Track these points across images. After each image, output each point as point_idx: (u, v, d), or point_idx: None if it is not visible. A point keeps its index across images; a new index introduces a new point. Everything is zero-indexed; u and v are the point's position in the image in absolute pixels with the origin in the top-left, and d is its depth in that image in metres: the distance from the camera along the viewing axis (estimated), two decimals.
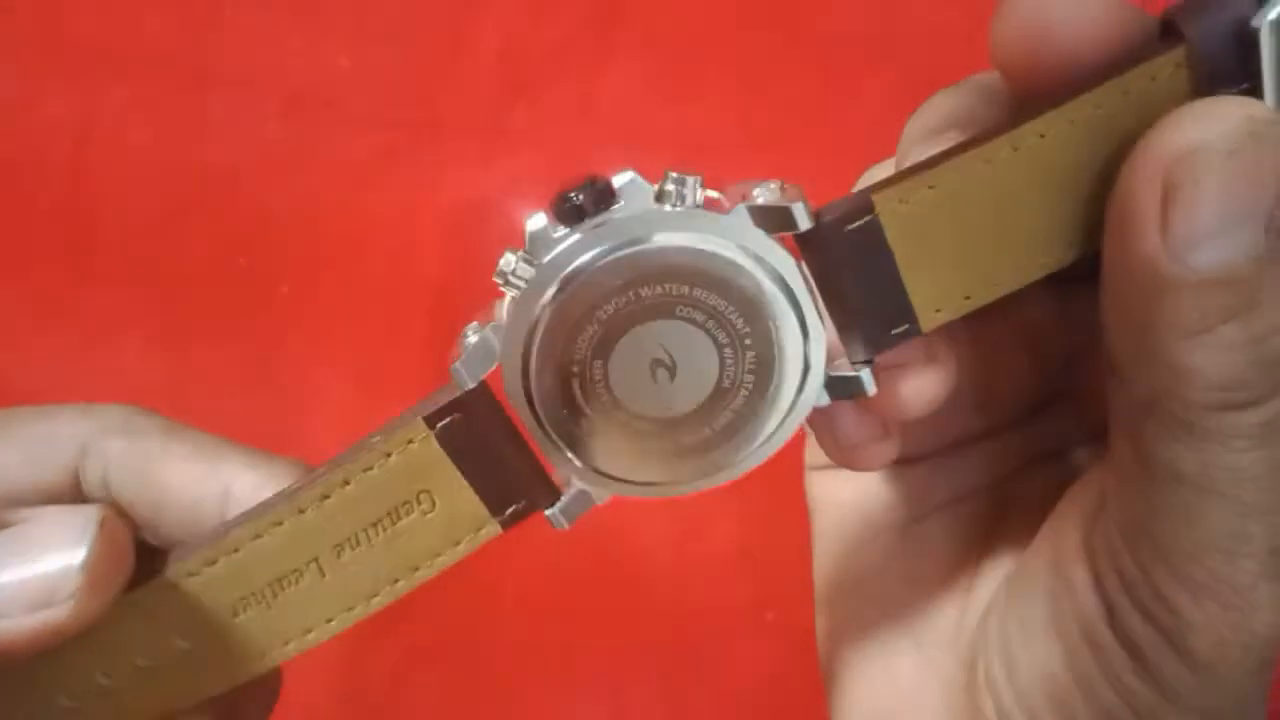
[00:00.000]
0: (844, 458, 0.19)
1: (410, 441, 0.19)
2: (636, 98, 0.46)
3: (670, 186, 0.17)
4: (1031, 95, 0.16)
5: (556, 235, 0.17)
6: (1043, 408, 0.21)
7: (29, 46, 0.46)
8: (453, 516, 0.20)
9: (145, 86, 0.45)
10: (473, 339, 0.18)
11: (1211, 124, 0.14)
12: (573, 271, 0.17)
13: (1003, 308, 0.18)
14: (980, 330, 0.19)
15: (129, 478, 0.20)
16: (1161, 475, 0.15)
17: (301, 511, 0.19)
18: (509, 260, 0.17)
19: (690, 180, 0.17)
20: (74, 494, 0.20)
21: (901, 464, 0.22)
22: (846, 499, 0.23)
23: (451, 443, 0.19)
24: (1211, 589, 0.15)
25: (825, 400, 0.18)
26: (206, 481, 0.20)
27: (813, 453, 0.24)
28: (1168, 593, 0.16)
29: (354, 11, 0.46)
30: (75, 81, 0.46)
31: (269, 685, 0.22)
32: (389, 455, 0.19)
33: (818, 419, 0.18)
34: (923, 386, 0.18)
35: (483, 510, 0.20)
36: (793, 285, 0.17)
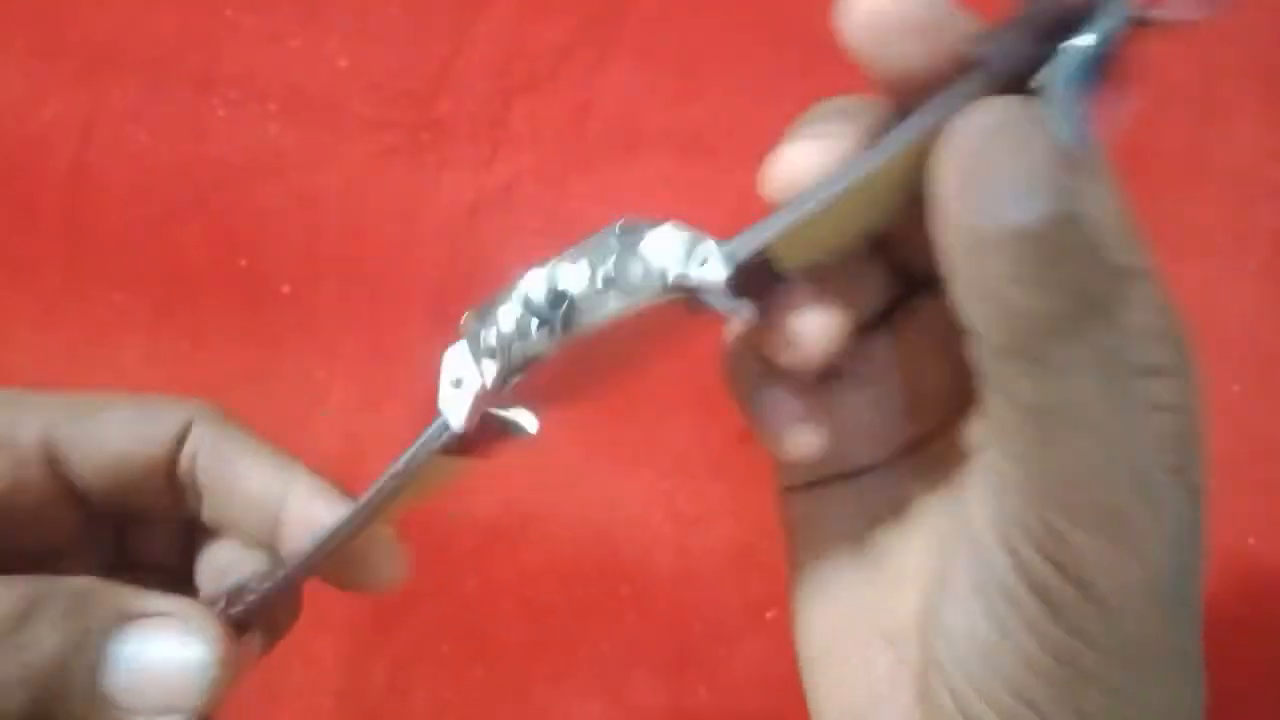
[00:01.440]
0: (774, 444, 0.21)
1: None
2: (636, 99, 0.46)
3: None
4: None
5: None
6: (971, 405, 0.22)
7: (30, 47, 0.46)
8: None
9: (146, 87, 0.46)
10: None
11: (997, 109, 0.16)
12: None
13: (921, 319, 0.21)
14: (902, 341, 0.22)
15: (213, 465, 0.23)
16: (1027, 418, 0.17)
17: None
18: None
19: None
20: (170, 468, 0.23)
21: (851, 475, 0.23)
22: (811, 513, 0.24)
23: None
24: (1099, 524, 0.17)
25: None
26: (273, 483, 0.23)
27: (782, 474, 0.25)
28: (1062, 531, 0.17)
29: (354, 12, 0.46)
30: (76, 82, 0.46)
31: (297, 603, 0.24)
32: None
33: (756, 411, 0.21)
34: (810, 324, 0.20)
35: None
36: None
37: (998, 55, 0.17)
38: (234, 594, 0.22)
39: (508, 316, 0.20)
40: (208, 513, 0.23)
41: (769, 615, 0.42)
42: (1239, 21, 0.47)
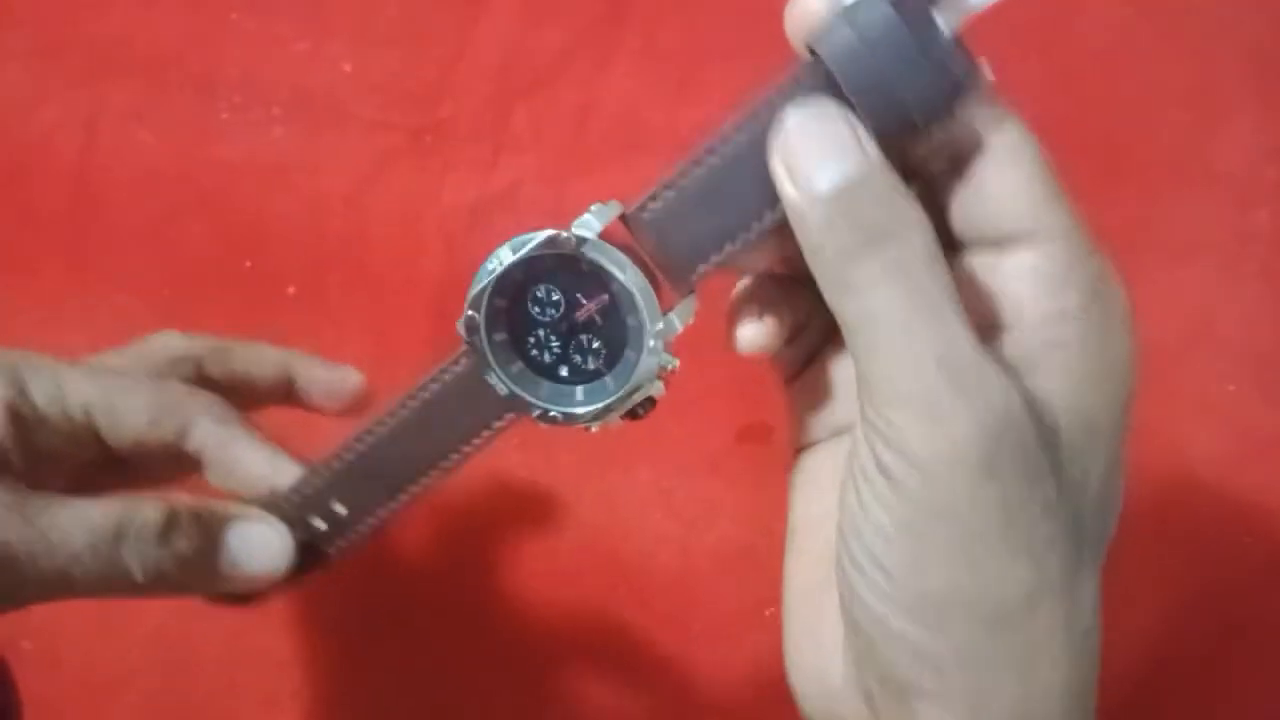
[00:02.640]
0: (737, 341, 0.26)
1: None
2: (637, 100, 0.46)
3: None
4: None
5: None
6: None
7: (34, 48, 0.46)
8: None
9: (150, 89, 0.46)
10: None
11: (801, 109, 0.22)
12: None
13: None
14: None
15: (215, 446, 0.30)
16: (848, 328, 0.22)
17: None
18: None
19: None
20: (179, 447, 0.30)
21: (839, 434, 0.27)
22: (809, 470, 0.28)
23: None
24: (913, 406, 0.21)
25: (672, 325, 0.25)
26: (265, 470, 0.30)
27: (799, 431, 0.28)
28: (889, 417, 0.21)
29: (357, 15, 0.46)
30: (80, 83, 0.46)
31: None
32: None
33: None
34: (748, 333, 0.26)
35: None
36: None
37: (827, 48, 0.22)
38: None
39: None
40: (210, 480, 0.30)
41: (768, 613, 0.42)
42: (1237, 22, 0.47)
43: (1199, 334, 0.44)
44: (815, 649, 0.25)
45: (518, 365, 0.26)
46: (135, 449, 0.29)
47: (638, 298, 0.24)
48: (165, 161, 0.45)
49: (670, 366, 0.26)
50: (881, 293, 0.21)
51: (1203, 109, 0.46)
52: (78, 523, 0.26)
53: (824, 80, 0.22)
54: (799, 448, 0.28)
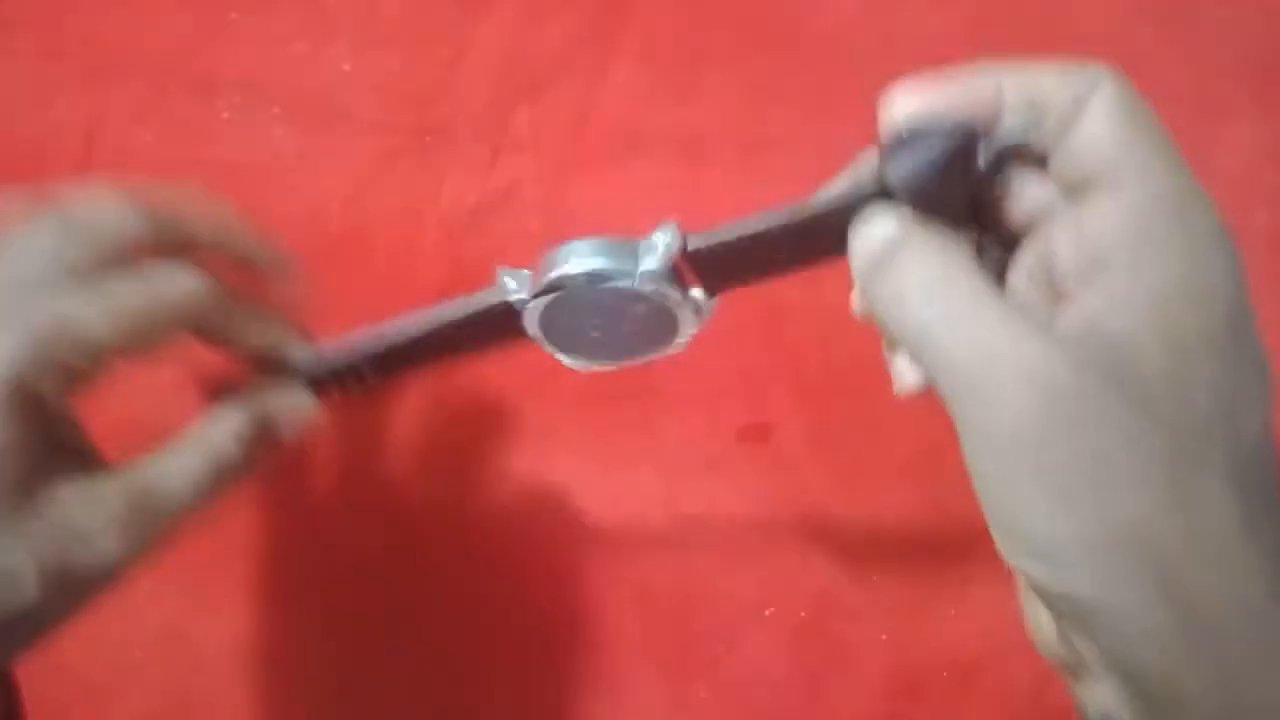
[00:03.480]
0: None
1: None
2: (636, 102, 0.46)
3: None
4: None
5: None
6: None
7: (35, 50, 0.47)
8: None
9: (151, 90, 0.46)
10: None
11: (872, 222, 0.25)
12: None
13: None
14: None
15: (211, 330, 0.30)
16: (916, 361, 0.25)
17: None
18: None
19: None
20: (165, 344, 0.29)
21: None
22: None
23: None
24: (965, 395, 0.23)
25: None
26: (262, 341, 0.31)
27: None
28: (953, 409, 0.24)
29: (358, 17, 0.46)
30: (81, 85, 0.46)
31: None
32: None
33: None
34: (904, 375, 0.28)
35: None
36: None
37: (892, 169, 0.25)
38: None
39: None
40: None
41: (768, 613, 0.42)
42: (1235, 24, 0.47)
43: None
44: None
45: (555, 327, 0.29)
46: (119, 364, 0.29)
47: (680, 325, 0.29)
48: (166, 162, 0.45)
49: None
50: (922, 314, 0.24)
51: (1201, 110, 0.46)
52: (180, 479, 0.28)
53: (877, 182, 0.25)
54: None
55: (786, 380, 0.43)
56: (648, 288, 0.27)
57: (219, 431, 0.30)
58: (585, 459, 0.43)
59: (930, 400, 0.44)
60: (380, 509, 0.43)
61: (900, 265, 0.24)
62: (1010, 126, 0.24)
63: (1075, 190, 0.24)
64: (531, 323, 0.29)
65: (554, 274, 0.27)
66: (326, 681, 0.42)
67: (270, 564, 0.42)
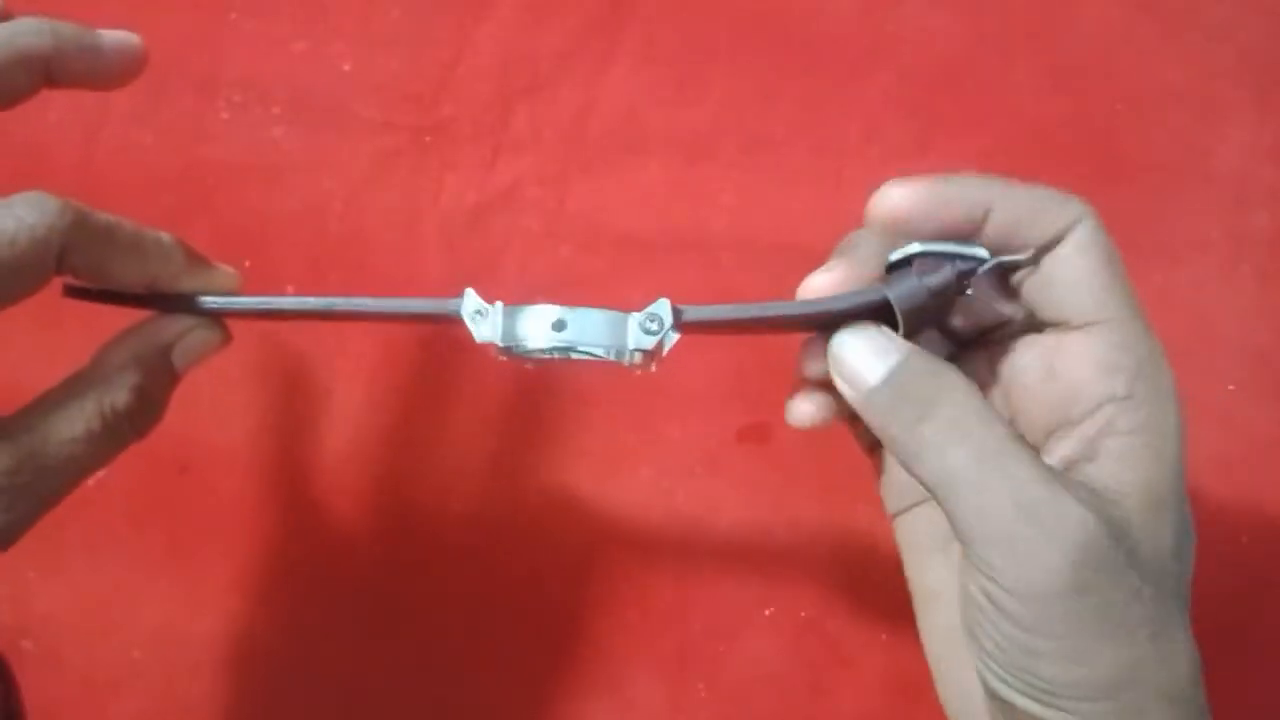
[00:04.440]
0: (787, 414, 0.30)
1: None
2: (637, 102, 0.46)
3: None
4: None
5: None
6: None
7: None
8: None
9: (150, 90, 0.46)
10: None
11: (855, 332, 0.27)
12: None
13: None
14: None
15: (85, 266, 0.26)
16: (928, 486, 0.25)
17: None
18: None
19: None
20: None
21: (927, 500, 0.30)
22: (909, 533, 0.31)
23: None
24: (1000, 546, 0.24)
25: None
26: (139, 277, 0.28)
27: (885, 500, 0.31)
28: (982, 555, 0.24)
29: (357, 16, 0.46)
30: None
31: None
32: None
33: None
34: (802, 408, 0.29)
35: None
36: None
37: (895, 290, 0.26)
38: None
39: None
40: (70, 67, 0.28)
41: (768, 613, 0.42)
42: (1235, 24, 0.47)
43: (1197, 334, 0.44)
44: (963, 697, 0.29)
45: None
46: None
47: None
48: (166, 162, 0.45)
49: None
50: (949, 453, 0.24)
51: (1201, 110, 0.46)
52: (67, 433, 0.26)
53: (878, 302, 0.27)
54: (892, 514, 0.31)
55: (786, 380, 0.43)
56: (635, 365, 0.28)
57: (109, 377, 0.27)
58: (585, 459, 0.43)
59: None
60: (379, 508, 0.43)
61: (931, 398, 0.25)
62: (992, 242, 0.26)
63: (1045, 319, 0.26)
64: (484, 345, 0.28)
65: (538, 342, 0.27)
66: (324, 681, 0.42)
67: (268, 564, 0.42)
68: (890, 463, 0.31)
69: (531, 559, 0.43)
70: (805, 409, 0.29)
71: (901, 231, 0.26)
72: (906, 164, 0.45)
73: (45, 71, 0.27)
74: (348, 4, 0.46)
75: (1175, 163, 0.46)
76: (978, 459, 0.24)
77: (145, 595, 0.42)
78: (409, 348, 0.44)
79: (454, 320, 0.28)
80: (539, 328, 0.27)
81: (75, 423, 0.26)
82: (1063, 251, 0.26)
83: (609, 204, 0.45)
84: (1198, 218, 0.45)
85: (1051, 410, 0.26)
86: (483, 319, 0.28)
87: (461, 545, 0.43)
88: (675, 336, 0.27)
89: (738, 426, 0.43)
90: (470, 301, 0.28)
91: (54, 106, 0.46)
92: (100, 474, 0.41)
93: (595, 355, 0.27)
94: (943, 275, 0.26)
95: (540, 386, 0.43)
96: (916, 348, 0.26)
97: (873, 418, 0.26)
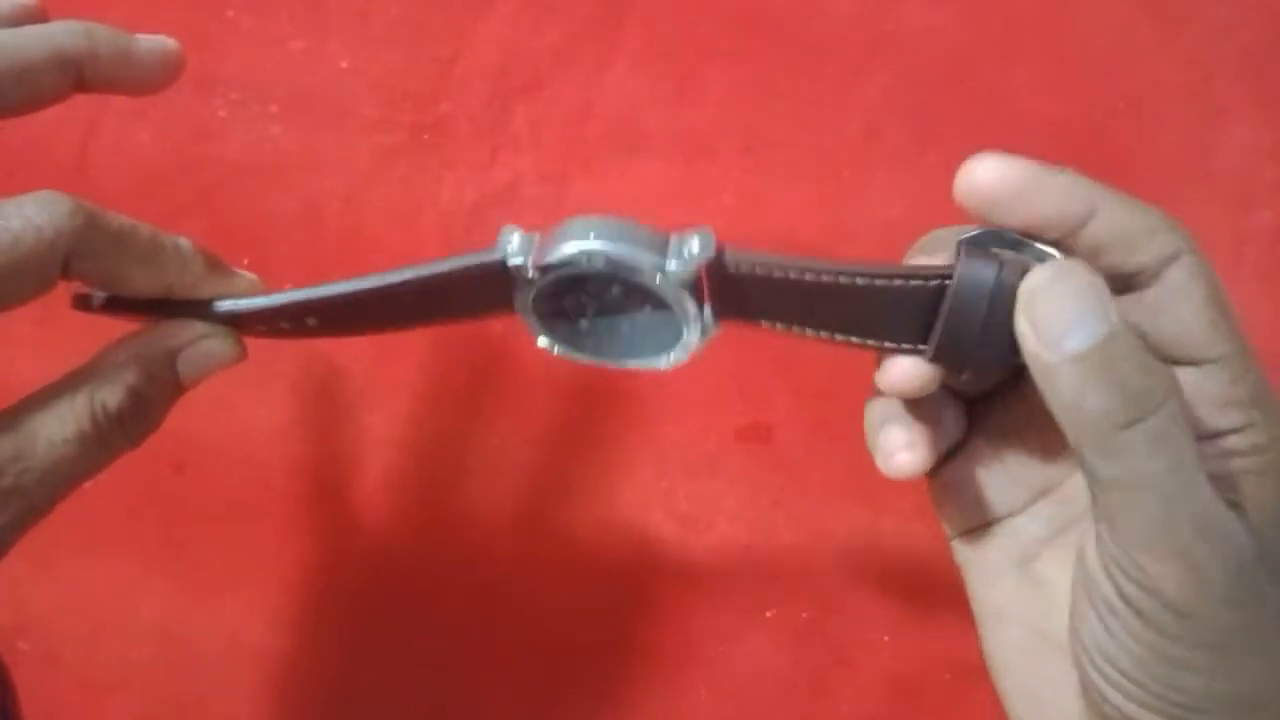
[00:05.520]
0: (885, 465, 0.28)
1: None
2: (635, 101, 0.46)
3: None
4: None
5: None
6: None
7: None
8: None
9: None
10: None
11: (1046, 271, 0.23)
12: None
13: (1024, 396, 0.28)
14: (1015, 413, 0.28)
15: (97, 272, 0.25)
16: (1102, 483, 0.23)
17: None
18: None
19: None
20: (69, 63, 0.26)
21: (996, 521, 0.29)
22: (974, 555, 0.30)
23: None
24: (1168, 557, 0.23)
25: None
26: (153, 50, 0.28)
27: (948, 523, 0.31)
28: (1142, 564, 0.23)
29: (355, 14, 0.46)
30: None
31: None
32: None
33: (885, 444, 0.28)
34: (902, 460, 0.27)
35: None
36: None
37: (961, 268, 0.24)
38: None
39: None
40: (94, 80, 0.27)
41: (769, 614, 0.42)
42: (1235, 23, 0.47)
43: None
44: (1039, 712, 0.28)
45: (548, 308, 0.27)
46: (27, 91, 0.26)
47: (687, 333, 0.26)
48: (164, 159, 0.45)
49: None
50: (1147, 462, 0.23)
51: (1201, 110, 0.46)
52: (56, 434, 0.25)
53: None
54: (958, 533, 0.30)
55: (786, 380, 0.43)
56: (668, 290, 0.25)
57: (104, 375, 0.26)
58: (585, 458, 0.43)
59: None
60: (376, 508, 0.43)
61: (1143, 393, 0.22)
62: (1089, 248, 0.24)
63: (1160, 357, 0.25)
64: (525, 294, 0.26)
65: (572, 247, 0.25)
66: (324, 682, 0.42)
67: (264, 563, 0.42)
68: (955, 487, 0.29)
69: (530, 558, 0.43)
70: (905, 459, 0.27)
71: (986, 214, 0.24)
72: (906, 163, 0.45)
73: (78, 74, 0.27)
74: (346, 2, 0.46)
75: (1176, 162, 0.46)
76: (1174, 470, 0.22)
77: (142, 595, 0.42)
78: (405, 346, 0.44)
79: (497, 275, 0.26)
80: (574, 239, 0.25)
81: (65, 423, 0.25)
82: (1172, 283, 0.24)
83: (608, 203, 0.45)
84: (1199, 217, 0.45)
85: None
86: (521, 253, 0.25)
87: (458, 543, 0.43)
88: (715, 329, 0.26)
89: (738, 426, 0.43)
90: (509, 240, 0.26)
91: None
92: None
93: (638, 278, 0.25)
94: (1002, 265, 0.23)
95: (541, 385, 0.43)
96: (1126, 322, 0.23)
97: (1058, 388, 0.23)
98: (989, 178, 0.24)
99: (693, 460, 0.43)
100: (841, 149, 0.46)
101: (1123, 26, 0.47)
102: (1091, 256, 0.24)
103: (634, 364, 0.28)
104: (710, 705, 0.42)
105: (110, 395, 0.25)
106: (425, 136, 0.46)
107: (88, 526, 0.42)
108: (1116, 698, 0.24)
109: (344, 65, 0.46)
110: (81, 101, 0.45)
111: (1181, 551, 0.22)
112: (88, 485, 0.42)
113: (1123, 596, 0.23)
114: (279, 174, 0.45)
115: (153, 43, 0.29)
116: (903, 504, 0.42)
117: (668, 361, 0.27)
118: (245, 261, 0.44)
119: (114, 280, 0.26)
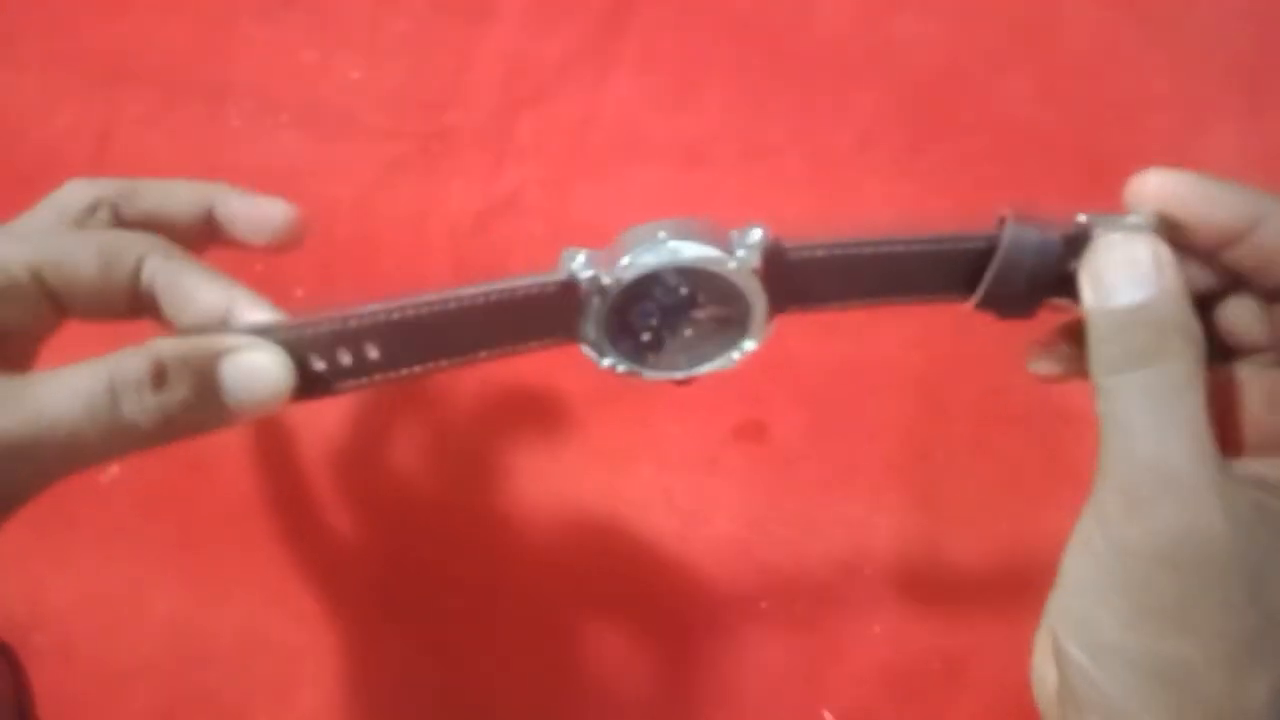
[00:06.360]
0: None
1: None
2: (637, 109, 0.47)
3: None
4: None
5: None
6: None
7: (46, 57, 0.47)
8: None
9: (161, 97, 0.46)
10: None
11: (1109, 244, 0.25)
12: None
13: None
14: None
15: (167, 281, 0.27)
16: (1101, 423, 0.25)
17: None
18: None
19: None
20: (131, 291, 0.27)
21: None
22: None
23: None
24: (1121, 495, 0.24)
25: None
26: (219, 297, 0.27)
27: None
28: (1103, 498, 0.24)
29: (365, 26, 0.47)
30: (92, 91, 0.46)
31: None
32: None
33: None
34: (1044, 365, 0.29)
35: None
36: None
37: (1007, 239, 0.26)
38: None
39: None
40: (167, 315, 0.28)
41: (763, 605, 0.42)
42: (1221, 29, 0.48)
43: None
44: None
45: (615, 322, 0.27)
46: (90, 303, 0.27)
47: (753, 326, 0.27)
48: (177, 168, 0.45)
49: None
50: (1121, 403, 0.24)
51: (1187, 115, 0.47)
52: (68, 392, 0.24)
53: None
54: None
55: (783, 378, 0.44)
56: (741, 278, 0.26)
57: (130, 365, 0.25)
58: (584, 455, 0.43)
59: (921, 401, 0.45)
60: (384, 503, 0.43)
61: (1155, 351, 0.24)
62: (1247, 263, 0.25)
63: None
64: (594, 311, 0.26)
65: (648, 250, 0.26)
66: (332, 672, 0.42)
67: (277, 558, 0.43)
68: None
69: (529, 556, 0.43)
70: (1044, 366, 0.29)
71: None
72: (900, 170, 0.46)
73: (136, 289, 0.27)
74: (356, 15, 0.47)
75: (1162, 165, 0.46)
76: (1141, 418, 0.24)
77: (156, 589, 0.42)
78: None
79: (560, 298, 0.26)
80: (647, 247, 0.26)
81: (80, 378, 0.24)
82: None
83: (610, 209, 0.45)
84: None
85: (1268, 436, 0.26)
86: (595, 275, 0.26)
87: (465, 540, 0.43)
88: (769, 327, 0.27)
89: (735, 424, 0.44)
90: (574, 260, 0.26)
91: (65, 111, 0.46)
92: (112, 470, 0.43)
93: (712, 268, 0.26)
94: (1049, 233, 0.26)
95: (542, 385, 0.44)
96: (1177, 289, 0.25)
97: (1092, 335, 0.25)
98: (1158, 191, 0.25)
99: (691, 458, 0.43)
100: (836, 156, 0.46)
101: (1110, 35, 0.48)
102: (1260, 267, 0.25)
103: (706, 369, 0.29)
104: (709, 698, 0.42)
105: (130, 360, 0.25)
106: (433, 145, 0.46)
107: (103, 522, 0.42)
108: (1066, 640, 0.25)
109: (354, 76, 0.47)
110: (94, 110, 0.46)
111: (1130, 491, 0.24)
112: (103, 481, 0.42)
113: (1089, 529, 0.25)
114: (289, 182, 0.45)
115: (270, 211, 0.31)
116: (896, 501, 0.43)
117: (740, 353, 0.28)
118: (258, 268, 0.45)
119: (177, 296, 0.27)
